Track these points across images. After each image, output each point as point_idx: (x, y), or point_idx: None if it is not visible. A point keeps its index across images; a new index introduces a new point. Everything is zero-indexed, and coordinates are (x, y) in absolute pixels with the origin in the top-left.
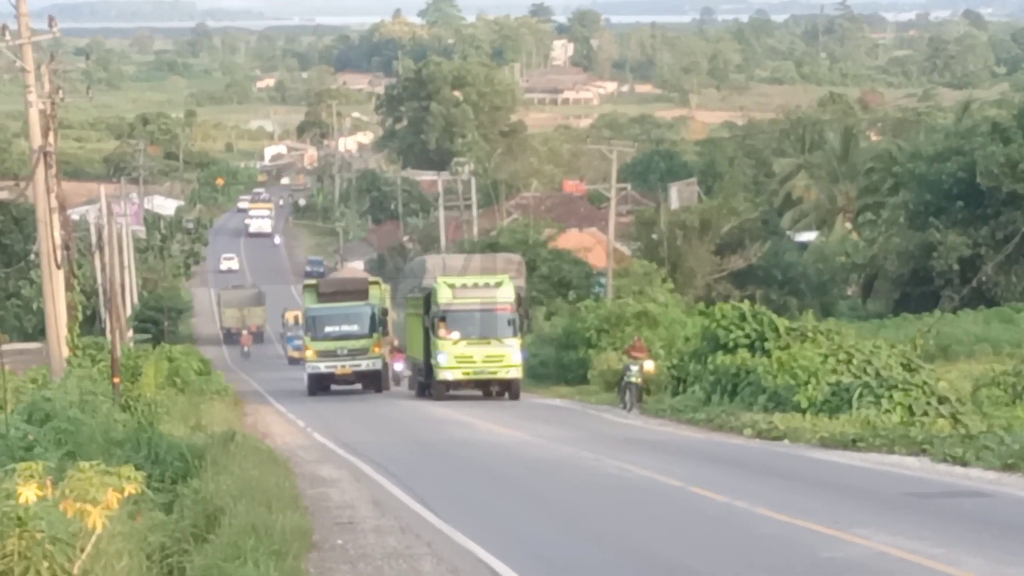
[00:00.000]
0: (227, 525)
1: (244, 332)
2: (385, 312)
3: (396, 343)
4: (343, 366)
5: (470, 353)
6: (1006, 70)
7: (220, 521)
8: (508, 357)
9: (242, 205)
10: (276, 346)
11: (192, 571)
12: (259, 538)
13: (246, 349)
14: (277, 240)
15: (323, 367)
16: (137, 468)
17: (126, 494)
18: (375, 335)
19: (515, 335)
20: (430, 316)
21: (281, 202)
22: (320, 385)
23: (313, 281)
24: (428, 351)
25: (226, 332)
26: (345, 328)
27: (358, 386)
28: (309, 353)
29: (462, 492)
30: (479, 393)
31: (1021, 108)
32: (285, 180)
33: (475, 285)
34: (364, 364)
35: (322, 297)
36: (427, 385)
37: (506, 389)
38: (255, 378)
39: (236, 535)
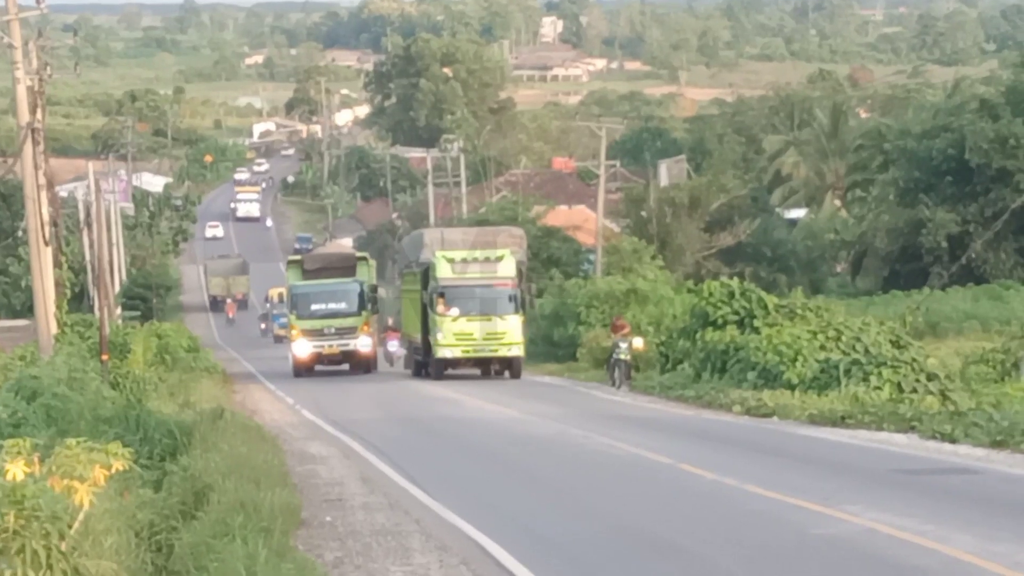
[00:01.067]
0: (216, 502)
1: (229, 301)
2: (375, 289)
3: (391, 322)
4: (330, 345)
5: (470, 330)
6: (995, 47)
7: (209, 498)
8: (509, 334)
9: (239, 177)
10: (259, 320)
11: (180, 548)
12: (248, 515)
13: (231, 316)
14: (269, 223)
15: (310, 347)
16: (125, 445)
17: (114, 471)
18: (364, 313)
19: (516, 312)
20: (428, 292)
21: (264, 185)
22: (306, 365)
23: (297, 256)
24: (426, 328)
25: (212, 300)
26: (332, 306)
27: (345, 367)
28: (294, 332)
29: (451, 469)
30: (478, 372)
31: (1010, 85)
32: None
33: (475, 259)
34: (352, 344)
35: (307, 274)
36: (424, 364)
37: (507, 367)
38: (244, 356)
39: (224, 512)
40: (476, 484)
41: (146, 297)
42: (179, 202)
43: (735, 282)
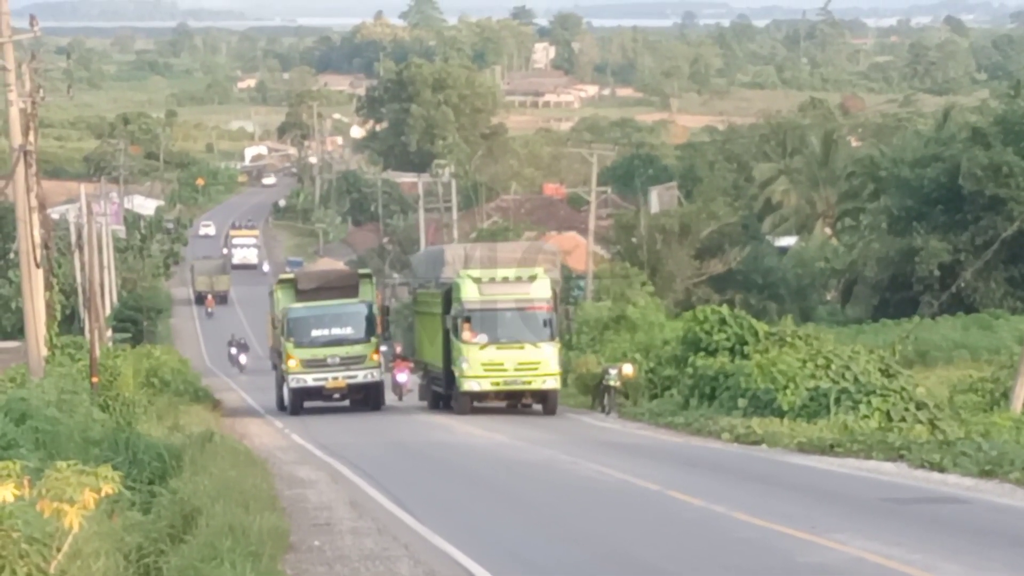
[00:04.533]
0: (204, 526)
1: (208, 296)
2: (386, 311)
3: (399, 349)
4: (334, 378)
5: (500, 360)
6: (987, 76)
7: (197, 522)
8: (544, 364)
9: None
10: (238, 308)
11: (169, 571)
12: (236, 539)
13: (210, 310)
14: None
15: (310, 379)
16: (114, 468)
17: (103, 494)
18: (372, 339)
19: (552, 338)
20: (452, 316)
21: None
22: (305, 401)
23: (289, 275)
24: (448, 357)
25: (197, 295)
26: (336, 331)
27: (345, 403)
28: (292, 363)
29: (440, 494)
30: (504, 405)
31: (1000, 115)
32: (270, 180)
33: (505, 279)
34: (360, 375)
35: (302, 294)
36: (443, 396)
37: (540, 401)
38: (234, 379)
39: (213, 536)
40: (465, 509)
41: (137, 320)
42: (170, 225)
43: (725, 309)
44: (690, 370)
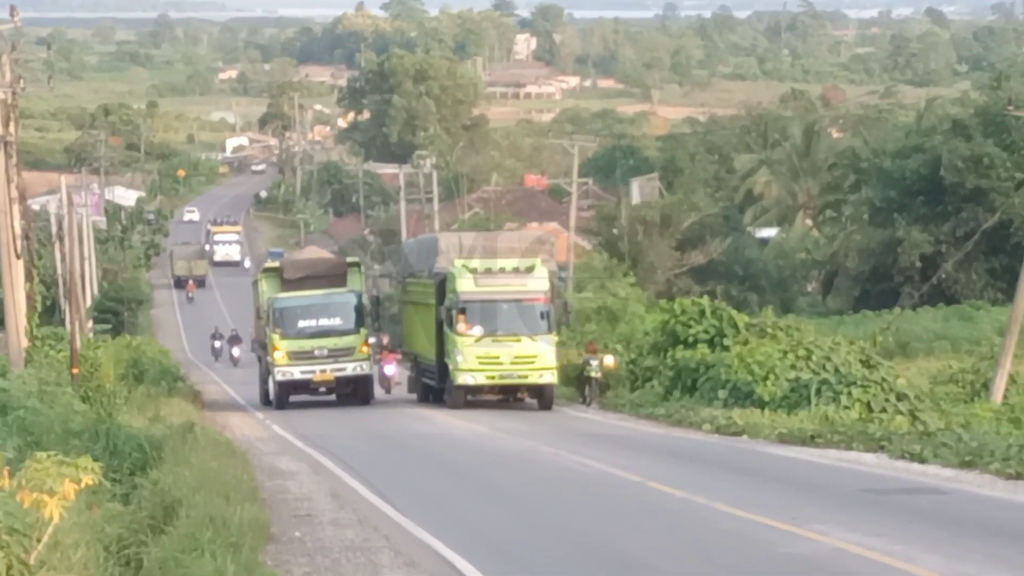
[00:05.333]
0: (185, 517)
1: (190, 282)
2: (377, 301)
3: (386, 341)
4: (322, 371)
5: (496, 353)
6: (967, 68)
7: (178, 513)
8: (541, 358)
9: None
10: (217, 295)
11: (149, 563)
12: (216, 530)
13: (191, 295)
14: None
15: (297, 372)
16: (95, 459)
17: (83, 485)
18: (362, 330)
19: (549, 331)
20: (446, 307)
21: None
22: (291, 395)
23: (274, 263)
24: (441, 349)
25: (176, 279)
26: (324, 322)
27: (332, 397)
28: (278, 355)
29: (420, 485)
30: (499, 399)
31: (981, 106)
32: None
33: (502, 270)
34: (350, 368)
35: (288, 284)
36: (435, 389)
37: (536, 396)
38: (214, 370)
39: (194, 527)
40: (446, 500)
41: (117, 311)
42: (151, 216)
43: (706, 300)
44: (670, 361)
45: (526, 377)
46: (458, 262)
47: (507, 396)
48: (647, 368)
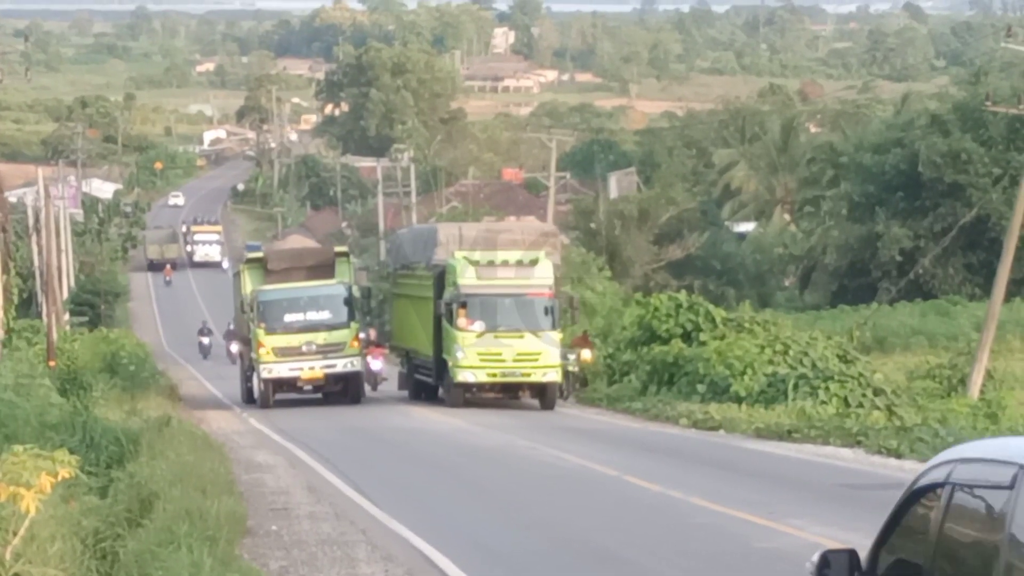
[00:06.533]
0: (161, 510)
1: (168, 266)
2: (368, 293)
3: (373, 335)
4: (311, 367)
5: (498, 350)
6: (945, 63)
7: (155, 506)
8: (545, 355)
9: (172, 202)
10: (190, 273)
11: (125, 556)
12: (193, 523)
13: (168, 279)
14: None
15: (284, 369)
16: (72, 452)
17: (60, 478)
18: (353, 324)
19: (553, 327)
20: (445, 301)
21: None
22: (276, 393)
23: (258, 254)
24: (439, 345)
25: (149, 262)
26: (312, 316)
27: (319, 395)
28: (263, 351)
29: (397, 479)
30: (500, 398)
31: (959, 102)
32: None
33: (505, 263)
34: (340, 364)
35: (272, 275)
36: (427, 386)
37: (538, 395)
38: (190, 362)
39: (170, 520)
40: (422, 494)
41: (94, 303)
42: (128, 209)
43: (683, 295)
44: (647, 356)
45: (529, 375)
46: (459, 254)
47: (507, 395)
48: (624, 362)
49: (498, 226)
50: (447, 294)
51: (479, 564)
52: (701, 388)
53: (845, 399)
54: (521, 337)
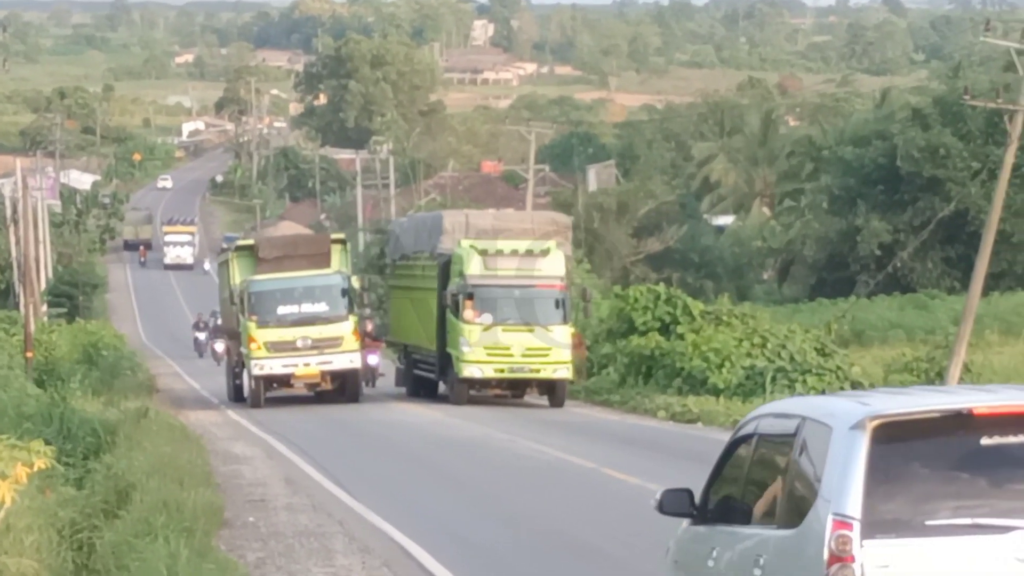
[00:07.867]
0: (138, 501)
1: (142, 247)
2: (368, 283)
3: (370, 328)
4: (306, 364)
5: (506, 344)
6: (925, 57)
7: (131, 497)
8: (555, 351)
9: (161, 184)
10: (171, 277)
11: (102, 547)
12: (170, 514)
13: (143, 260)
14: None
15: (277, 366)
16: (48, 443)
17: (36, 468)
18: (351, 317)
19: (564, 321)
20: (451, 292)
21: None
22: (267, 391)
23: (248, 241)
24: (443, 339)
25: (125, 243)
26: (307, 308)
27: (312, 394)
28: (254, 346)
29: (375, 471)
30: (502, 395)
31: (939, 95)
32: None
33: (514, 252)
34: (338, 361)
35: (263, 264)
36: (428, 383)
37: (547, 392)
38: (169, 355)
39: (147, 511)
40: (400, 486)
41: (72, 295)
42: (107, 200)
43: (661, 288)
44: (625, 349)
45: (538, 371)
46: (465, 242)
47: (513, 392)
48: (602, 355)
49: (507, 214)
50: (453, 285)
51: (456, 556)
52: (678, 381)
53: (823, 392)
54: (531, 331)
